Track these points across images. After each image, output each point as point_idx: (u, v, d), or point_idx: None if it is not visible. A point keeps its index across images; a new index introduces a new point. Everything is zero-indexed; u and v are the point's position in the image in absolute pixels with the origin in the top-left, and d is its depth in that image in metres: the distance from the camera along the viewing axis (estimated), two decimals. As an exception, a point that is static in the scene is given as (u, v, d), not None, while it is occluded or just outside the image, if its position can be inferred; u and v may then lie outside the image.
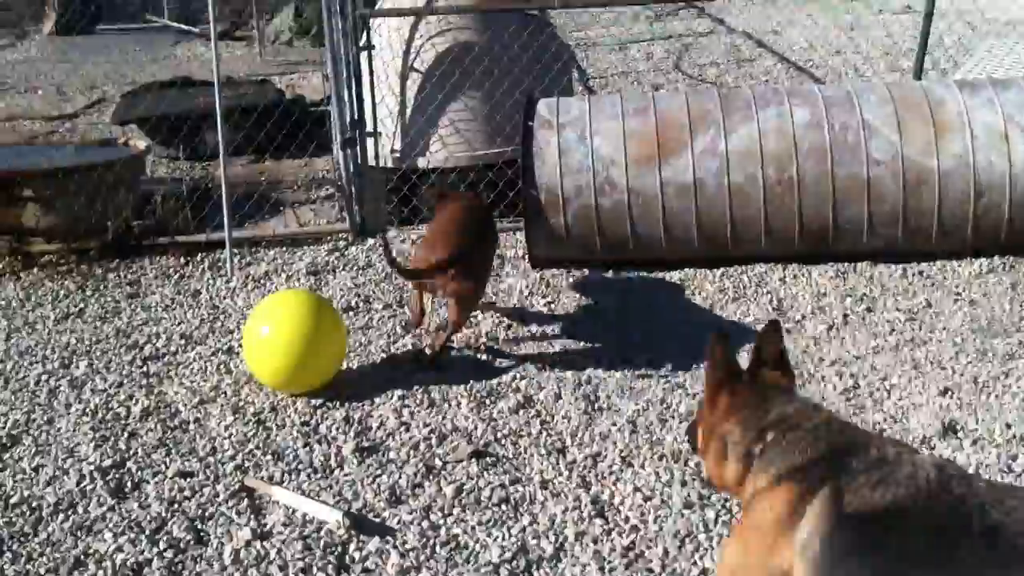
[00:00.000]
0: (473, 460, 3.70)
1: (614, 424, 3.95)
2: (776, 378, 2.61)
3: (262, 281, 5.44)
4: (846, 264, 5.23)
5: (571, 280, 5.26)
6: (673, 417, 3.98)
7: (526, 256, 5.45)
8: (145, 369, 4.51)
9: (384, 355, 4.57)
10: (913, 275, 5.13)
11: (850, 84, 5.61)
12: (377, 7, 6.73)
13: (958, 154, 5.04)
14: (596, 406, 4.09)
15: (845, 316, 4.77)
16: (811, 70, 9.87)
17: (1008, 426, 3.84)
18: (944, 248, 5.21)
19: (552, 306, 5.01)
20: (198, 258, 5.74)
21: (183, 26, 13.20)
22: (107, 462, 3.74)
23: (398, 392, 4.19)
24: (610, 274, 5.30)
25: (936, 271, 5.16)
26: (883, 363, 4.34)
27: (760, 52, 10.85)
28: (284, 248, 5.84)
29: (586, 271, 5.33)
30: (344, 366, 4.39)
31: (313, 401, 4.14)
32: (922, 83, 5.78)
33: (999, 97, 5.15)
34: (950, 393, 4.09)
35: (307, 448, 3.82)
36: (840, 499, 2.15)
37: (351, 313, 4.98)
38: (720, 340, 2.62)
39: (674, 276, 5.24)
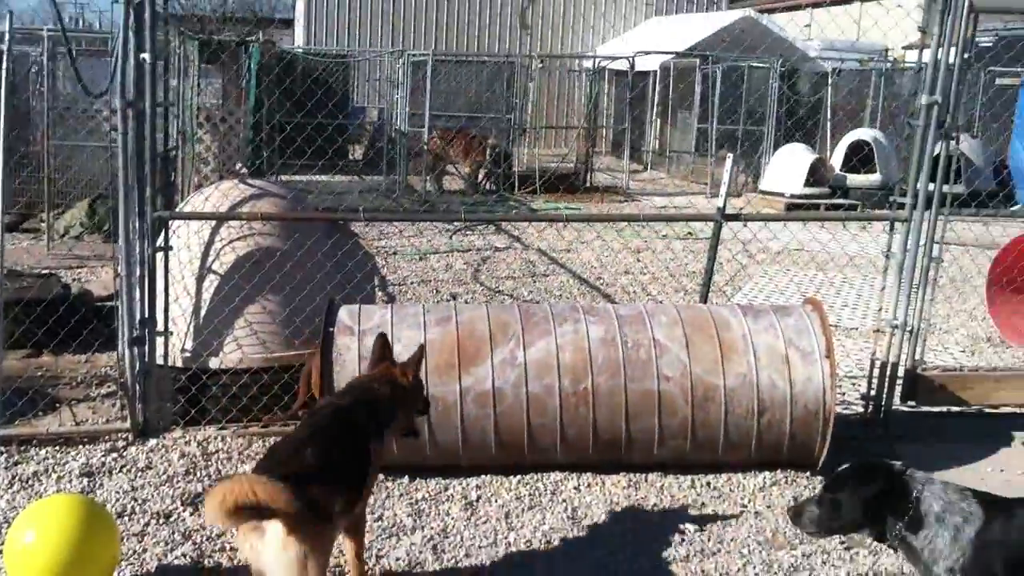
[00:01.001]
0: None
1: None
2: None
3: (30, 482, 5.04)
4: (638, 474, 5.31)
5: (365, 487, 5.12)
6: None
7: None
8: None
9: (160, 563, 4.26)
10: (701, 487, 5.25)
11: (643, 305, 5.85)
12: (179, 208, 6.65)
13: (742, 373, 5.27)
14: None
15: (637, 526, 4.80)
16: (601, 287, 10.30)
17: (795, 639, 3.90)
18: (729, 460, 5.37)
19: (345, 514, 4.83)
20: (-41, 457, 5.29)
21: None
22: None
23: (174, 605, 3.90)
24: (406, 480, 5.18)
25: (723, 483, 5.29)
26: (675, 574, 4.35)
27: (553, 268, 11.27)
28: (57, 447, 5.46)
29: (381, 476, 5.20)
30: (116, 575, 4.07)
31: (78, 614, 3.80)
32: (709, 306, 6.08)
33: (780, 323, 5.46)
34: (740, 605, 4.13)
35: (67, 668, 3.46)
36: None
37: (126, 518, 4.66)
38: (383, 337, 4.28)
39: (471, 483, 5.18)
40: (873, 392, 6.20)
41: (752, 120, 20.23)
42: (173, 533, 4.53)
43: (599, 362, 5.26)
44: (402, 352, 5.18)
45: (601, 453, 5.31)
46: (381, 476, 5.19)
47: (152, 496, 4.93)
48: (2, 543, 4.19)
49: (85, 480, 5.09)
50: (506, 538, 4.65)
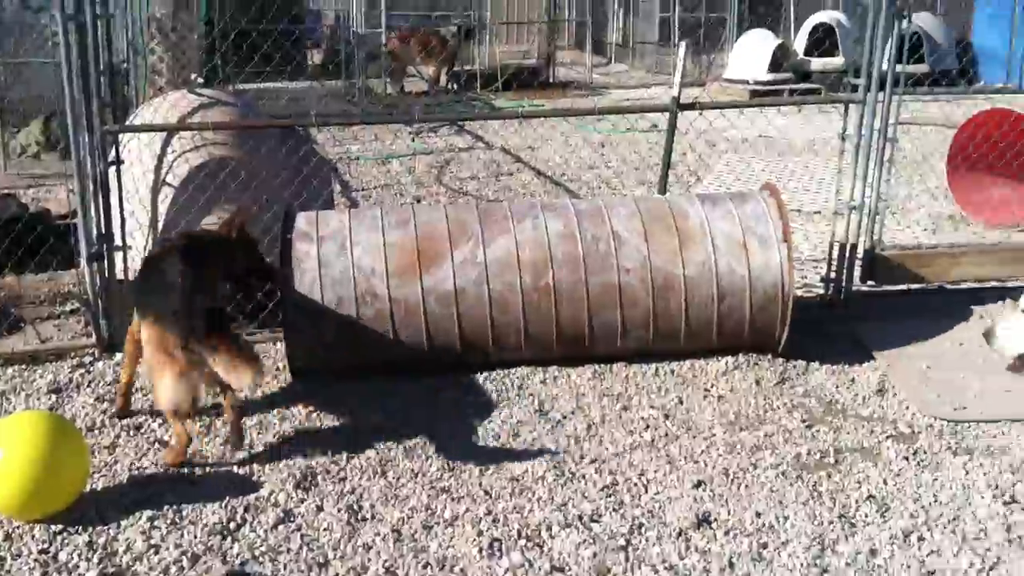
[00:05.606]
0: (228, 581, 3.53)
1: (378, 534, 3.86)
2: None
3: (-1, 401, 5.08)
4: (603, 365, 5.38)
5: (333, 390, 5.16)
6: (438, 524, 3.94)
7: (286, 367, 5.32)
8: None
9: (132, 474, 4.32)
10: (665, 374, 5.33)
11: (601, 199, 5.86)
12: (128, 122, 6.55)
13: (701, 261, 5.31)
14: (359, 516, 4.00)
15: (603, 415, 4.89)
16: (566, 183, 10.28)
17: (758, 515, 4.01)
18: (692, 348, 5.44)
19: (313, 416, 4.89)
20: (-75, 380, 5.30)
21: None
22: None
23: (147, 513, 3.96)
24: (372, 381, 5.23)
25: (686, 370, 5.38)
26: (640, 459, 4.46)
27: (518, 167, 11.22)
28: (24, 366, 5.47)
29: (349, 379, 5.25)
30: (87, 488, 4.12)
31: (52, 527, 3.85)
32: (667, 197, 6.10)
33: (737, 210, 5.49)
34: (703, 486, 4.24)
35: (44, 578, 3.53)
36: None
37: (96, 431, 4.70)
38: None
39: (437, 382, 5.23)
40: (833, 274, 6.27)
41: (715, 7, 20.03)
42: (143, 443, 4.58)
43: (559, 257, 5.28)
44: (362, 256, 5.20)
45: (566, 348, 5.37)
46: (349, 380, 5.25)
47: (121, 409, 4.97)
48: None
49: (53, 396, 5.11)
50: (474, 433, 4.72)
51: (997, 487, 4.21)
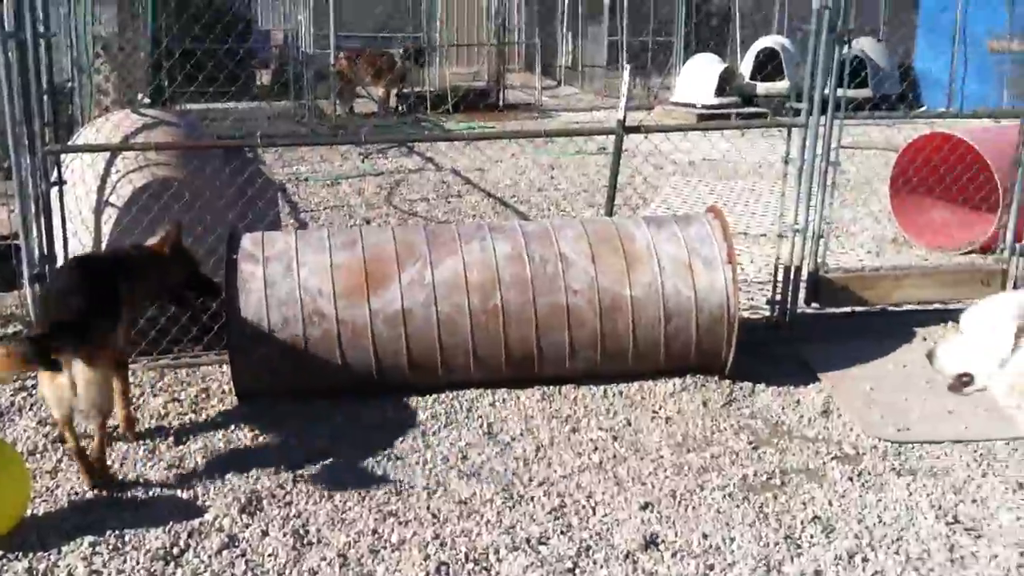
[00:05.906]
0: (171, 607, 3.47)
1: (324, 559, 3.83)
2: None
3: (-64, 427, 4.97)
4: (552, 387, 5.38)
5: (278, 412, 5.11)
6: (385, 548, 3.91)
7: (232, 390, 5.26)
8: None
9: (73, 499, 4.24)
10: (613, 395, 5.35)
11: (549, 221, 5.88)
12: (71, 142, 6.47)
13: (648, 282, 5.35)
14: (306, 540, 3.96)
15: (552, 437, 4.89)
16: (515, 205, 10.31)
17: (705, 536, 4.03)
18: (640, 369, 5.46)
19: (259, 439, 4.84)
20: None
21: None
22: None
23: (88, 538, 3.89)
24: (319, 404, 5.19)
25: (634, 391, 5.40)
26: (588, 481, 4.46)
27: (468, 188, 11.23)
28: (-37, 391, 5.38)
29: (295, 402, 5.21)
30: (28, 513, 4.04)
31: (-10, 554, 3.78)
32: (614, 219, 6.14)
33: (683, 232, 5.54)
34: (651, 507, 4.25)
35: (-20, 608, 3.46)
36: None
37: (37, 456, 4.62)
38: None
39: (387, 404, 5.21)
40: (778, 296, 6.34)
41: (662, 31, 20.26)
42: (85, 469, 4.51)
43: (507, 279, 5.29)
44: (308, 277, 5.18)
45: (515, 369, 5.37)
46: (295, 402, 5.20)
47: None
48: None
49: (-7, 421, 5.03)
50: (423, 456, 4.70)
51: (940, 507, 4.27)
